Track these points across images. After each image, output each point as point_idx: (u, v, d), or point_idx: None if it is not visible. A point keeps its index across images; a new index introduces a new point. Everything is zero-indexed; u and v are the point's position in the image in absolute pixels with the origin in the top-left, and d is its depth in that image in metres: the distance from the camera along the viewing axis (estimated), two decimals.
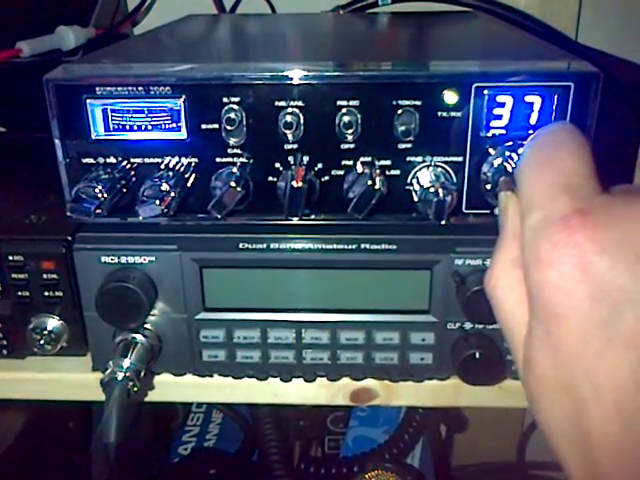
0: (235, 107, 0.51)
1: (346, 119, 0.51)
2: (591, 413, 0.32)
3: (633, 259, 0.31)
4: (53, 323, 0.60)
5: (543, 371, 0.35)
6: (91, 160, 0.54)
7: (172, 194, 0.51)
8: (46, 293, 0.59)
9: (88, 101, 0.52)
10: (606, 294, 0.31)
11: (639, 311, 0.30)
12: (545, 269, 0.34)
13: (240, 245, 0.55)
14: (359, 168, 0.52)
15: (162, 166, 0.53)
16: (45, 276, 0.58)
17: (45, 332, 0.59)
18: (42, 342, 0.59)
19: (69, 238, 0.57)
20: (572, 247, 0.33)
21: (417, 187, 0.52)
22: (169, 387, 0.62)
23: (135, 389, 0.53)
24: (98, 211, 0.51)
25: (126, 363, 0.54)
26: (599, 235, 0.32)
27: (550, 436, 0.35)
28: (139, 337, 0.56)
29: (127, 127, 0.53)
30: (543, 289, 0.34)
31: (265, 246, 0.55)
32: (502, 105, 0.50)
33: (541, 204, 0.36)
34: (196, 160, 0.53)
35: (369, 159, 0.52)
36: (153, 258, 0.55)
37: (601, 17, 1.03)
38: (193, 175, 0.53)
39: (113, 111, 0.52)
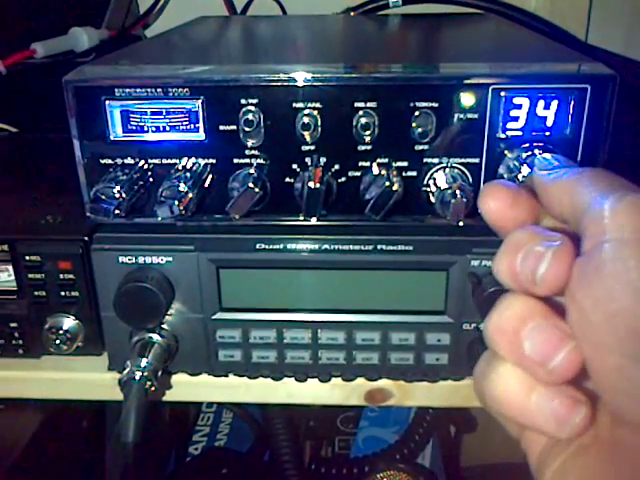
0: (253, 109, 0.52)
1: (363, 121, 0.51)
2: None
3: None
4: (69, 323, 0.60)
5: None
6: (109, 161, 0.54)
7: (190, 195, 0.51)
8: (62, 293, 0.59)
9: (107, 102, 0.52)
10: None
11: None
12: None
13: (257, 246, 0.55)
14: (376, 169, 0.53)
15: (180, 167, 0.53)
16: (62, 276, 0.58)
17: (61, 332, 0.59)
18: (58, 342, 0.60)
19: (86, 238, 0.57)
20: None
21: (434, 188, 0.53)
22: (185, 387, 0.62)
23: (153, 389, 0.54)
24: (117, 212, 0.51)
25: (144, 363, 0.54)
26: None
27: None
28: (156, 337, 0.57)
29: (145, 128, 0.53)
30: None
31: (282, 247, 0.55)
32: (519, 107, 0.51)
33: None
34: (214, 161, 0.54)
35: (386, 160, 0.53)
36: (170, 258, 0.55)
37: (611, 18, 1.03)
38: (210, 176, 0.54)
39: (131, 112, 0.53)
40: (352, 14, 0.97)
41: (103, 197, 0.51)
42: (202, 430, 1.09)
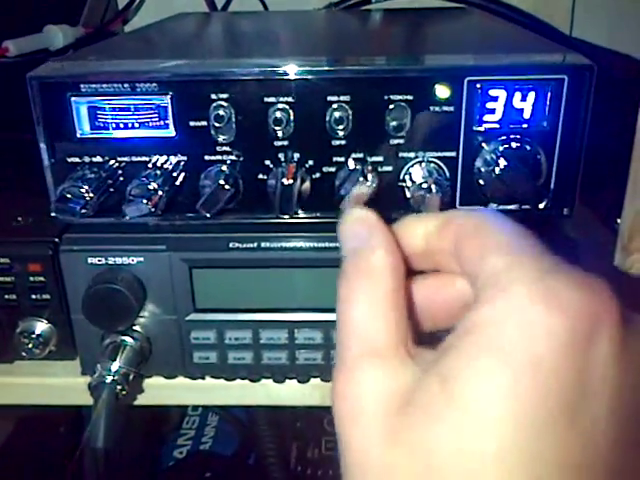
0: (224, 104, 0.50)
1: (337, 115, 0.50)
2: None
3: None
4: (41, 327, 0.58)
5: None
6: (77, 159, 0.53)
7: (160, 193, 0.50)
8: (33, 296, 0.58)
9: (73, 99, 0.51)
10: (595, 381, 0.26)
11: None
12: (546, 299, 0.26)
13: (230, 244, 0.54)
14: (351, 165, 0.51)
15: (150, 165, 0.52)
16: (32, 279, 0.57)
17: (33, 336, 0.58)
18: (30, 346, 0.58)
19: (56, 240, 0.56)
20: (608, 306, 0.27)
21: (410, 183, 0.51)
22: (160, 390, 0.61)
23: (124, 393, 0.53)
24: (84, 211, 0.50)
25: (114, 366, 0.53)
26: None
27: None
28: (128, 339, 0.55)
29: (113, 125, 0.52)
30: (527, 320, 0.26)
31: (256, 245, 0.54)
32: (495, 99, 0.50)
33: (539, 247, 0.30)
34: (185, 158, 0.52)
35: (361, 155, 0.51)
36: (141, 259, 0.54)
37: (595, 11, 1.02)
38: (182, 174, 0.53)
39: (99, 109, 0.51)
40: (333, 10, 0.96)
41: (69, 196, 0.50)
42: (187, 434, 1.08)
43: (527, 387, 0.25)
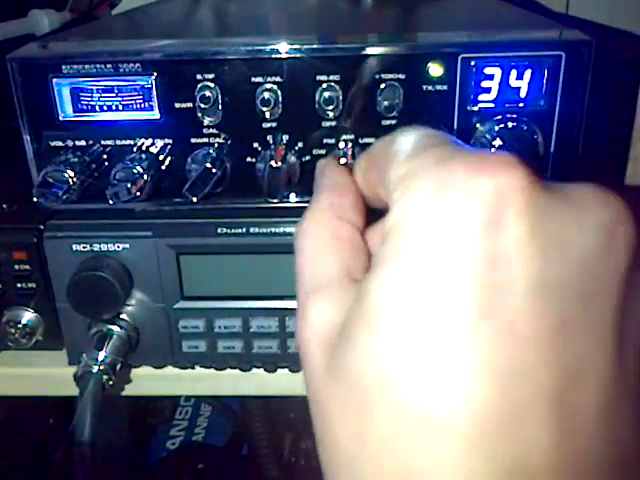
0: (210, 84, 0.49)
1: (326, 95, 0.49)
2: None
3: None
4: (27, 316, 0.57)
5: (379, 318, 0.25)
6: (60, 143, 0.51)
7: (145, 177, 0.49)
8: (19, 285, 0.56)
9: (54, 80, 0.49)
10: (507, 266, 0.23)
11: (522, 304, 0.24)
12: (444, 191, 0.24)
13: (218, 230, 0.53)
14: (342, 147, 0.50)
15: (135, 148, 0.51)
16: (17, 267, 0.56)
17: (19, 325, 0.57)
18: (16, 336, 0.57)
19: (41, 227, 0.55)
20: (508, 173, 0.24)
21: None
22: (149, 380, 0.60)
23: (110, 383, 0.51)
24: (67, 196, 0.49)
25: (101, 356, 0.52)
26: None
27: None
28: (115, 328, 0.54)
29: (97, 107, 0.50)
30: (428, 219, 0.24)
31: (244, 230, 0.53)
32: (490, 77, 0.48)
33: (445, 143, 0.27)
34: (170, 141, 0.51)
35: (352, 137, 0.50)
36: (127, 245, 0.53)
37: None
38: (168, 157, 0.51)
39: (81, 90, 0.50)
40: None
41: (52, 181, 0.48)
42: (180, 424, 1.07)
43: (430, 289, 0.24)
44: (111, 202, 0.48)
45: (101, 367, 0.51)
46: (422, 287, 0.24)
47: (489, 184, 0.24)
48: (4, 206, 0.59)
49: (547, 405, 0.23)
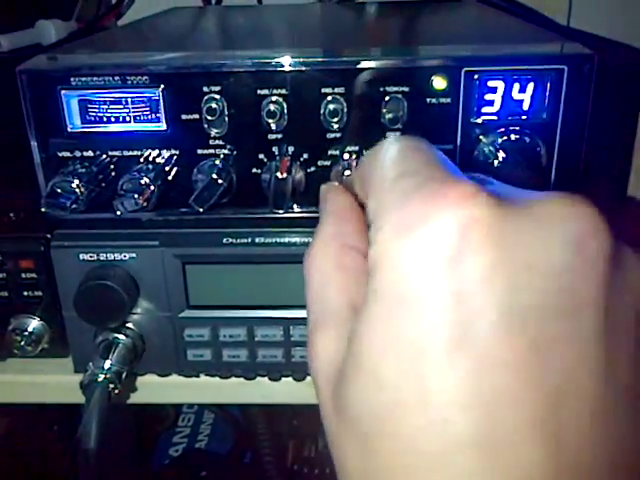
0: (216, 96, 0.49)
1: (332, 107, 0.49)
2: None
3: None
4: (33, 324, 0.58)
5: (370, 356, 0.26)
6: (67, 154, 0.52)
7: (152, 188, 0.49)
8: (25, 293, 0.57)
9: (63, 92, 0.50)
10: (474, 298, 0.24)
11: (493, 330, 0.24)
12: (408, 232, 0.25)
13: (224, 240, 0.53)
14: (346, 158, 0.50)
15: (142, 159, 0.51)
16: (24, 275, 0.56)
17: (25, 333, 0.57)
18: (22, 343, 0.57)
19: (48, 236, 0.55)
20: (468, 205, 0.24)
21: None
22: (154, 388, 0.60)
23: (116, 391, 0.52)
24: (74, 206, 0.49)
25: (107, 364, 0.52)
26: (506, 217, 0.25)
27: None
28: (121, 337, 0.55)
29: (104, 119, 0.51)
30: (397, 260, 0.25)
31: (250, 240, 0.53)
32: (493, 90, 0.49)
33: (417, 171, 0.28)
34: (177, 152, 0.52)
35: (356, 148, 0.51)
36: (134, 255, 0.53)
37: (592, 4, 1.02)
38: (174, 168, 0.52)
39: (89, 102, 0.50)
40: (328, 3, 0.95)
41: (60, 191, 0.49)
42: (183, 431, 1.07)
43: (407, 328, 0.24)
44: (118, 212, 0.49)
45: (107, 375, 0.52)
46: (400, 327, 0.25)
47: (450, 219, 0.24)
48: (11, 215, 0.60)
49: (538, 425, 0.23)
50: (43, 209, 0.49)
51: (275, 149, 0.51)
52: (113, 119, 0.51)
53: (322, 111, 0.50)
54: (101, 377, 0.51)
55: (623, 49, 0.69)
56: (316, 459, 1.01)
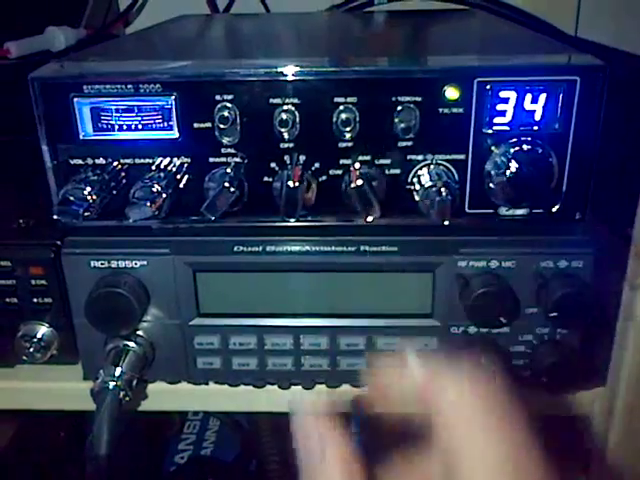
0: (228, 105, 0.50)
1: (344, 116, 0.49)
2: None
3: None
4: (43, 330, 0.58)
5: None
6: (79, 161, 0.52)
7: (164, 195, 0.49)
8: (35, 300, 0.57)
9: (75, 100, 0.50)
10: None
11: None
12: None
13: (235, 248, 0.53)
14: (357, 167, 0.50)
15: (153, 167, 0.52)
16: (34, 282, 0.56)
17: (34, 340, 0.57)
18: (32, 350, 0.57)
19: (58, 243, 0.55)
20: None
21: (418, 186, 0.51)
22: (163, 395, 0.60)
23: (127, 398, 0.52)
24: (87, 214, 0.49)
25: (117, 372, 0.52)
26: None
27: None
28: (131, 344, 0.55)
29: (117, 127, 0.51)
30: None
31: (261, 249, 0.53)
32: (505, 101, 0.49)
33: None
34: (189, 160, 0.52)
35: (368, 158, 0.51)
36: (145, 262, 0.53)
37: (600, 12, 1.02)
38: (186, 176, 0.52)
39: (102, 110, 0.50)
40: (336, 12, 0.95)
41: (72, 199, 0.49)
42: (188, 438, 1.07)
43: None
44: (130, 220, 0.49)
45: (118, 383, 0.52)
46: None
47: None
48: (20, 221, 0.60)
49: None
50: (55, 216, 0.49)
51: (287, 158, 0.51)
52: (125, 127, 0.51)
53: (334, 120, 0.50)
54: (112, 384, 0.51)
55: (631, 60, 0.69)
56: None
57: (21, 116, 0.55)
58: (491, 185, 0.50)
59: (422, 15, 0.90)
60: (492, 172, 0.50)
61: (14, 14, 0.86)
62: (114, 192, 0.51)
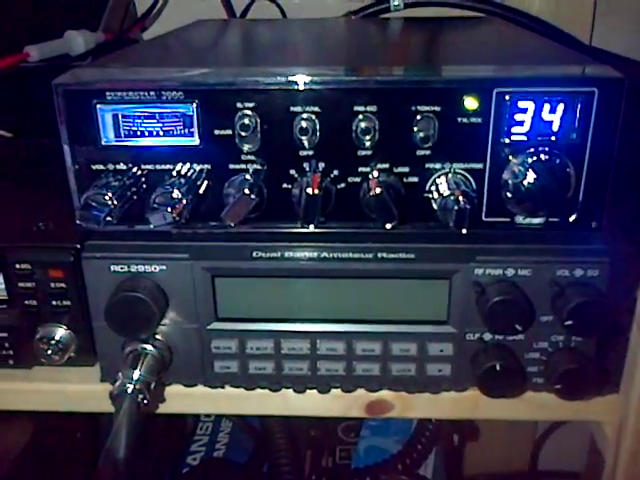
0: (249, 113, 0.50)
1: (363, 125, 0.50)
2: None
3: None
4: (61, 333, 0.58)
5: None
6: (101, 167, 0.53)
7: (184, 201, 0.50)
8: (54, 302, 0.58)
9: (98, 106, 0.51)
10: None
11: None
12: None
13: (253, 254, 0.54)
14: (375, 175, 0.51)
15: (174, 173, 0.52)
16: (53, 285, 0.57)
17: (52, 342, 0.58)
18: (49, 352, 0.58)
19: (77, 246, 0.56)
20: None
21: (436, 195, 0.51)
22: (180, 398, 0.61)
23: (145, 402, 0.52)
24: (108, 219, 0.50)
25: (136, 375, 0.53)
26: None
27: None
28: (149, 348, 0.55)
29: (138, 133, 0.51)
30: None
31: (279, 255, 0.54)
32: (524, 111, 0.49)
33: None
34: (209, 167, 0.52)
35: (387, 166, 0.51)
36: (164, 267, 0.54)
37: (616, 21, 1.02)
38: (205, 182, 0.52)
39: (124, 116, 0.51)
40: (353, 18, 0.96)
41: (93, 204, 0.50)
42: (201, 440, 1.07)
43: None
44: (151, 226, 0.50)
45: (137, 386, 0.52)
46: None
47: None
48: (40, 224, 0.60)
49: None
50: (77, 221, 0.50)
51: (306, 165, 0.51)
52: (147, 133, 0.51)
53: (353, 129, 0.50)
54: (130, 387, 0.52)
55: None
56: (333, 470, 1.02)
57: (42, 119, 0.56)
58: (508, 194, 0.50)
59: (438, 23, 0.90)
60: (509, 181, 0.50)
61: (34, 18, 0.87)
62: (135, 197, 0.52)
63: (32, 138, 0.82)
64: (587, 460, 1.11)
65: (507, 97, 0.49)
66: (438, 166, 0.51)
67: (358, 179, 0.52)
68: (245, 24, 0.97)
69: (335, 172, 0.52)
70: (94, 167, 0.53)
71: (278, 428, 0.94)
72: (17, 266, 0.56)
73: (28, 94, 0.80)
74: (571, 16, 0.97)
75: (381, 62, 0.58)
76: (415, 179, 0.52)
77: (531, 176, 0.48)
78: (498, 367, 0.53)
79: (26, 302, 0.58)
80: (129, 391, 0.52)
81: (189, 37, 0.81)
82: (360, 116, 0.50)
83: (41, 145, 0.77)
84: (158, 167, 0.52)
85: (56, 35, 0.86)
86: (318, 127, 0.50)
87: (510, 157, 0.50)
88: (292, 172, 0.52)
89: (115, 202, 0.50)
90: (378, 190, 0.48)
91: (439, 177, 0.51)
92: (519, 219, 0.52)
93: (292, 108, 0.50)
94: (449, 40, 0.79)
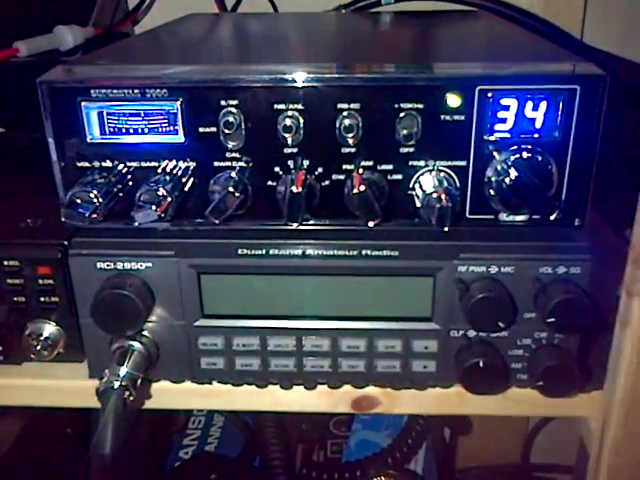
0: (233, 110, 0.50)
1: (347, 122, 0.50)
2: None
3: None
4: (49, 329, 0.59)
5: None
6: (86, 164, 0.53)
7: (169, 199, 0.50)
8: (42, 299, 0.58)
9: (83, 104, 0.51)
10: None
11: None
12: None
13: (239, 251, 0.54)
14: (360, 172, 0.51)
15: (159, 170, 0.52)
16: (41, 281, 0.57)
17: (41, 338, 0.58)
18: (38, 348, 0.58)
19: (65, 243, 0.56)
20: None
21: (420, 192, 0.51)
22: (167, 394, 0.61)
23: (132, 398, 0.52)
24: (93, 216, 0.50)
25: (122, 371, 0.53)
26: None
27: None
28: (136, 344, 0.55)
29: (123, 130, 0.52)
30: None
31: (264, 252, 0.54)
32: (507, 108, 0.49)
33: None
34: (194, 164, 0.52)
35: (370, 163, 0.51)
36: (150, 264, 0.54)
37: (606, 16, 1.02)
38: (191, 179, 0.52)
39: (109, 114, 0.51)
40: (343, 12, 0.96)
41: (79, 201, 0.50)
42: (193, 434, 1.08)
43: None
44: (136, 223, 0.50)
45: (123, 382, 0.52)
46: None
47: None
48: (28, 221, 0.61)
49: None
50: (63, 219, 0.50)
51: (290, 163, 0.52)
52: (132, 131, 0.51)
53: (337, 126, 0.50)
54: (117, 384, 0.52)
55: (635, 67, 0.70)
56: (325, 464, 1.02)
57: (30, 114, 0.56)
58: (491, 191, 0.51)
59: (428, 17, 0.91)
60: (493, 178, 0.50)
61: (23, 13, 0.87)
62: (120, 195, 0.52)
63: (21, 133, 0.82)
64: (577, 453, 1.11)
65: (490, 95, 0.49)
66: (422, 163, 0.51)
67: (342, 176, 0.52)
68: (235, 18, 0.97)
69: (319, 169, 0.52)
70: (80, 164, 0.53)
71: (270, 422, 0.94)
72: (5, 263, 0.57)
73: (17, 89, 0.80)
74: (562, 10, 0.97)
75: (368, 59, 0.58)
76: (399, 176, 0.52)
77: (514, 173, 0.48)
78: (481, 364, 0.53)
79: (15, 298, 0.58)
80: (115, 387, 0.52)
81: (179, 32, 0.81)
82: (344, 113, 0.50)
83: (30, 140, 0.77)
84: (143, 164, 0.53)
85: (45, 30, 0.86)
86: (302, 125, 0.50)
87: (493, 154, 0.50)
88: (277, 169, 0.52)
89: (100, 199, 0.50)
90: (362, 188, 0.49)
91: (422, 174, 0.51)
92: (502, 216, 0.52)
93: (276, 105, 0.50)
94: (437, 36, 0.79)
